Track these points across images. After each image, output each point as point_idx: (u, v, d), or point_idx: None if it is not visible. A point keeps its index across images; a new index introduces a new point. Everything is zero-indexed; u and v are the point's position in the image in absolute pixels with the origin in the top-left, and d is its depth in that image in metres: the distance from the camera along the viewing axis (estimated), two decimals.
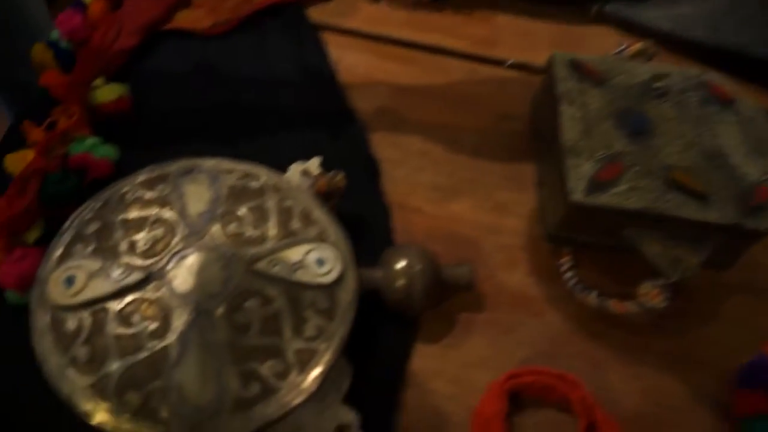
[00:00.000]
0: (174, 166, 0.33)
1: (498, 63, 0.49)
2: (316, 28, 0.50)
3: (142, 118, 0.43)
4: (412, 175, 0.41)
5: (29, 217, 0.35)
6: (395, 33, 0.50)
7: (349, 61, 0.48)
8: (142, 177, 0.32)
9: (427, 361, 0.33)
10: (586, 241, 0.37)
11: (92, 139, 0.39)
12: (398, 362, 0.33)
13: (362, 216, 0.37)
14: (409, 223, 0.39)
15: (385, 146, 0.42)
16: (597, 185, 0.34)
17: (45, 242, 0.35)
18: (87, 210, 0.31)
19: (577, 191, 0.34)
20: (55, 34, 0.45)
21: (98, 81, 0.42)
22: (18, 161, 0.37)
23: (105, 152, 0.39)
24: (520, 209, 0.40)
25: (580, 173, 0.35)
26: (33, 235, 0.36)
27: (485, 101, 0.46)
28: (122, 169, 0.39)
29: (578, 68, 0.40)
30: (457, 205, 0.40)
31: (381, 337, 0.33)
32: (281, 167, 0.35)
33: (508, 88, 0.47)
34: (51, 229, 0.36)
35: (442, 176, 0.42)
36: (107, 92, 0.41)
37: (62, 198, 0.36)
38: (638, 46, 0.43)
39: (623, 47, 0.44)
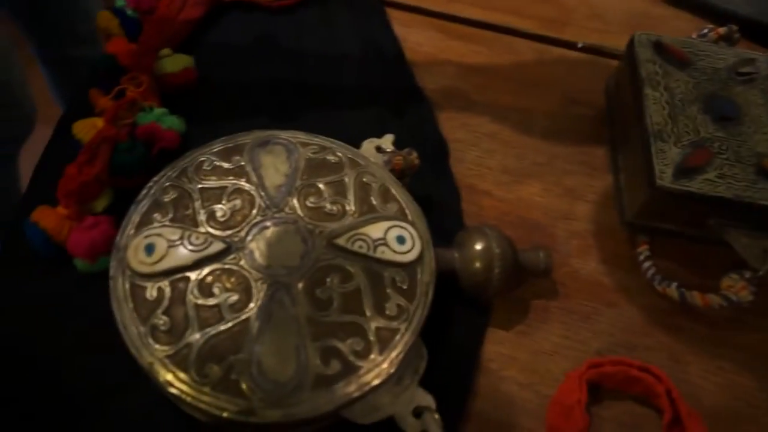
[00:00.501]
0: (249, 137, 0.32)
1: (568, 45, 0.47)
2: (381, 4, 0.49)
3: (205, 91, 0.42)
4: (482, 157, 0.40)
5: (99, 186, 0.35)
6: (461, 12, 0.49)
7: (415, 39, 0.47)
8: (217, 147, 0.31)
9: (499, 347, 0.32)
10: (667, 229, 0.35)
11: (160, 110, 0.39)
12: (472, 347, 0.32)
13: (431, 197, 0.36)
14: (479, 206, 0.38)
15: (453, 127, 0.41)
16: (684, 171, 0.33)
17: (111, 212, 0.36)
18: (164, 178, 0.30)
19: (665, 177, 0.32)
20: (120, 1, 0.44)
21: (165, 51, 0.42)
22: (87, 129, 0.37)
23: (172, 123, 0.39)
24: (592, 195, 0.39)
25: (667, 158, 0.33)
26: (101, 204, 0.35)
27: (555, 84, 0.45)
28: (187, 142, 0.39)
29: (662, 50, 0.39)
30: (527, 189, 0.39)
31: (454, 321, 0.32)
32: (349, 140, 0.34)
33: (579, 70, 0.46)
34: (117, 198, 0.36)
35: (511, 159, 0.40)
36: (174, 62, 0.41)
37: (131, 167, 0.36)
38: (722, 30, 0.41)
39: (706, 30, 0.42)
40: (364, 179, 0.31)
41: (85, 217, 0.33)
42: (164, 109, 0.39)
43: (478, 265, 0.31)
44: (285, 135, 0.32)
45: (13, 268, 0.34)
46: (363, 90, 0.43)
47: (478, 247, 0.31)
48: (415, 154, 0.34)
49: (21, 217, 0.35)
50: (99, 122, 0.37)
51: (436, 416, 0.28)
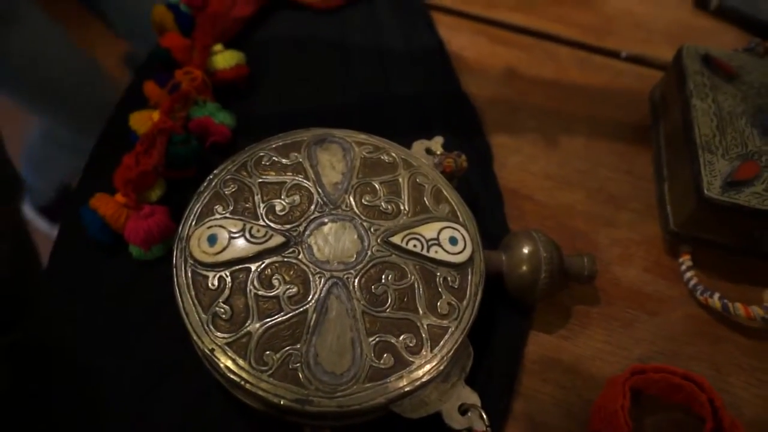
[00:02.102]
0: (307, 134, 0.33)
1: (612, 54, 0.47)
2: (425, 7, 0.49)
3: (255, 88, 0.43)
4: (524, 162, 0.41)
5: (155, 176, 0.36)
6: (504, 17, 0.49)
7: (459, 43, 0.47)
8: (275, 143, 0.32)
9: (542, 350, 0.33)
10: (711, 240, 0.35)
11: (212, 104, 0.40)
12: (516, 349, 0.32)
13: (476, 200, 0.37)
14: (521, 210, 0.38)
15: (497, 132, 0.42)
16: (733, 183, 0.33)
17: (164, 202, 0.37)
18: (224, 171, 0.31)
19: (713, 188, 0.33)
20: None
21: (217, 47, 0.43)
22: (143, 120, 0.38)
23: (223, 118, 0.40)
24: (635, 203, 0.39)
25: (714, 170, 0.34)
26: (156, 194, 0.36)
27: (598, 92, 0.45)
28: (237, 138, 0.40)
29: (710, 63, 0.39)
30: (569, 196, 0.39)
31: (499, 322, 0.33)
32: (397, 142, 0.35)
33: (623, 79, 0.46)
34: (170, 188, 0.37)
35: (554, 165, 0.41)
36: (226, 58, 0.42)
37: (186, 159, 0.37)
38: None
39: (754, 44, 0.42)
40: (418, 180, 0.32)
41: (142, 207, 0.34)
42: (216, 104, 0.40)
43: (525, 268, 0.31)
44: (340, 134, 0.33)
45: (71, 252, 0.35)
46: (410, 92, 0.44)
47: (526, 250, 0.31)
48: (464, 157, 0.35)
49: (77, 203, 0.36)
50: (155, 115, 0.38)
51: (482, 414, 0.28)
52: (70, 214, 0.36)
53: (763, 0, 0.49)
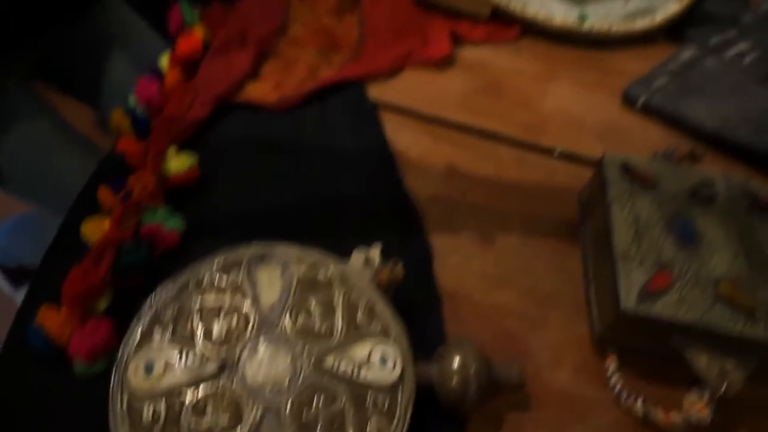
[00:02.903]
0: (248, 252, 0.34)
1: (546, 151, 0.50)
2: (375, 107, 0.52)
3: (208, 188, 0.45)
4: (463, 262, 0.43)
5: (102, 289, 0.37)
6: (449, 115, 0.52)
7: (404, 141, 0.50)
8: (217, 262, 0.34)
9: None
10: (634, 345, 0.38)
11: (163, 210, 0.41)
12: None
13: (414, 304, 0.39)
14: (459, 312, 0.40)
15: (438, 231, 0.44)
16: (648, 294, 0.35)
17: (112, 311, 0.38)
18: (165, 292, 0.33)
19: (629, 300, 0.35)
20: (132, 100, 0.47)
21: (171, 150, 0.44)
22: (95, 229, 0.39)
23: (174, 224, 0.41)
24: (567, 303, 0.41)
25: (631, 281, 0.36)
26: (102, 305, 0.37)
27: (534, 189, 0.48)
28: (188, 241, 0.41)
29: (629, 171, 0.42)
30: (505, 296, 0.41)
31: None
32: (340, 245, 0.37)
33: (556, 177, 0.49)
34: (117, 297, 0.38)
35: (490, 264, 0.43)
36: (179, 162, 0.44)
37: (134, 269, 0.38)
38: (686, 150, 0.45)
39: (672, 149, 0.45)
40: (352, 297, 0.33)
41: (87, 321, 0.35)
42: (168, 209, 0.42)
43: (455, 382, 0.33)
44: (280, 249, 0.35)
45: (15, 366, 0.36)
46: (356, 192, 0.46)
47: (455, 364, 0.33)
48: (400, 266, 0.37)
49: (25, 312, 0.37)
50: (105, 222, 0.39)
51: None
52: (17, 326, 0.37)
53: (685, 99, 0.53)
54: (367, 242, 0.39)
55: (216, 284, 0.33)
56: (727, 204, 0.41)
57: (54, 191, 0.72)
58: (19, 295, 1.07)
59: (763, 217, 0.41)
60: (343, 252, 0.38)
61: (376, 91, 0.54)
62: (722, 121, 0.51)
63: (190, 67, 0.50)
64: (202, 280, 0.33)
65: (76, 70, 0.76)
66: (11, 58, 0.69)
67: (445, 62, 0.56)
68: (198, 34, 0.51)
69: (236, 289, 0.32)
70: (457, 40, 0.59)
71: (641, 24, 0.59)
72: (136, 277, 0.39)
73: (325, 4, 0.60)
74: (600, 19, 0.59)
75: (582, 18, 0.58)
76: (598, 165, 0.43)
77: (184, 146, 0.47)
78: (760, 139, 0.49)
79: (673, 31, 0.61)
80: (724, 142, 0.50)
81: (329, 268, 0.34)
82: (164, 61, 0.50)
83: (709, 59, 0.58)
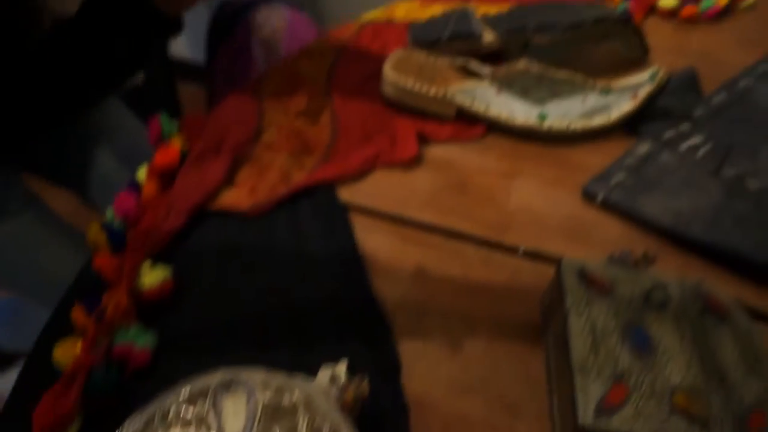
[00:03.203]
0: (214, 380, 0.35)
1: (511, 250, 0.53)
2: (345, 209, 0.54)
3: (181, 299, 0.46)
4: (430, 369, 0.44)
5: (73, 415, 0.38)
6: (417, 215, 0.55)
7: (373, 243, 0.52)
8: (184, 392, 0.35)
9: None
10: None
11: (135, 328, 0.43)
12: None
13: (382, 413, 0.40)
14: (426, 421, 0.41)
15: (406, 337, 0.45)
16: (605, 409, 0.37)
17: None
18: (132, 426, 0.33)
19: (587, 416, 0.36)
20: (110, 213, 0.49)
21: (145, 265, 0.46)
22: (67, 353, 0.40)
23: (145, 342, 0.42)
24: (532, 411, 0.42)
25: (588, 395, 0.37)
26: (73, 430, 0.38)
27: (500, 290, 0.50)
28: (160, 356, 0.42)
29: (585, 277, 0.44)
30: (471, 403, 0.42)
31: None
32: (311, 353, 0.38)
33: (521, 276, 0.51)
34: (88, 421, 0.39)
35: (457, 371, 0.44)
36: (153, 276, 0.45)
37: (105, 393, 0.39)
38: (640, 253, 0.47)
39: (626, 252, 0.47)
40: (316, 422, 0.34)
41: None
42: (139, 327, 0.43)
43: None
44: (247, 375, 0.36)
45: None
46: (326, 299, 0.47)
47: None
48: (365, 383, 0.38)
49: None
50: (78, 346, 0.40)
51: None
52: None
53: (641, 195, 0.56)
54: (337, 350, 0.40)
55: (182, 416, 0.33)
56: (681, 309, 0.43)
57: (37, 283, 0.73)
58: None
59: (715, 321, 0.43)
60: (312, 361, 0.39)
61: (347, 193, 0.56)
62: (676, 217, 0.54)
63: (167, 177, 0.53)
64: (168, 412, 0.34)
65: (64, 163, 0.78)
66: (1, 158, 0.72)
67: (413, 162, 0.59)
68: (176, 145, 0.54)
69: (201, 421, 0.33)
70: (424, 140, 0.62)
71: (598, 121, 0.62)
72: (108, 400, 0.39)
73: (298, 107, 0.63)
74: (559, 118, 0.62)
75: (542, 117, 0.62)
76: (556, 271, 0.45)
77: (158, 257, 0.48)
78: (712, 235, 0.52)
79: (630, 125, 0.64)
80: (679, 237, 0.53)
81: (294, 392, 0.35)
82: (142, 173, 0.52)
83: (664, 153, 0.61)
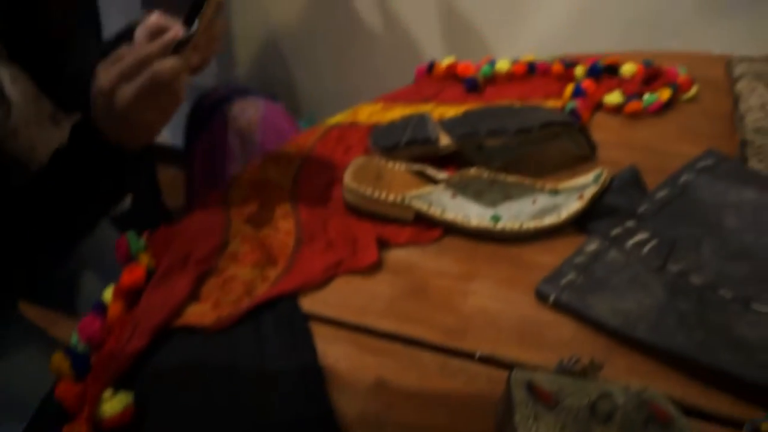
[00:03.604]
0: None
1: (468, 355, 0.54)
2: (306, 318, 0.56)
3: (142, 425, 0.47)
4: None
5: None
6: (376, 323, 0.56)
7: (334, 354, 0.54)
8: None
9: None
10: None
11: None
12: None
13: None
14: None
15: None
16: None
17: None
18: None
19: None
20: (74, 338, 0.51)
21: (107, 393, 0.47)
22: None
23: None
24: None
25: None
26: None
27: (457, 399, 0.51)
28: None
29: (533, 390, 0.46)
30: None
31: None
32: None
33: (478, 383, 0.52)
34: None
35: None
36: (114, 404, 0.46)
37: None
38: (586, 361, 0.49)
39: (574, 360, 0.50)
40: None
41: None
42: None
43: None
44: None
45: None
46: (287, 418, 0.48)
47: None
48: None
49: None
50: None
51: None
52: None
53: (590, 295, 0.59)
54: None
55: None
56: (626, 419, 0.45)
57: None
58: None
59: (658, 428, 0.44)
60: None
61: (308, 303, 0.58)
62: (623, 318, 0.56)
63: (133, 296, 0.54)
64: None
65: (52, 285, 0.79)
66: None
67: (374, 268, 0.62)
68: (142, 263, 0.56)
69: None
70: (384, 244, 0.65)
71: (549, 221, 0.66)
72: None
73: (264, 215, 0.66)
74: (511, 219, 0.66)
75: (495, 219, 0.65)
76: (506, 384, 0.47)
77: (121, 381, 0.49)
78: (656, 336, 0.54)
79: (580, 223, 0.68)
80: (626, 339, 0.55)
81: None
82: (108, 294, 0.54)
83: (611, 251, 0.64)
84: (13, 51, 0.68)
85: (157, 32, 0.58)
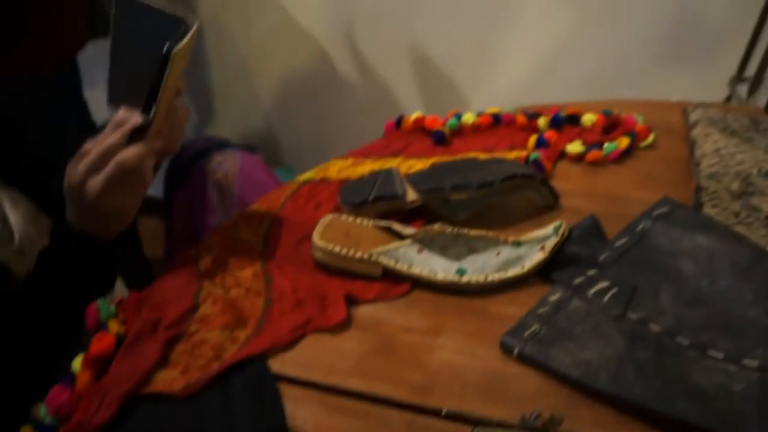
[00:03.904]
0: None
1: (434, 413, 0.55)
2: (275, 379, 0.57)
3: None
4: None
5: None
6: (344, 382, 0.57)
7: (302, 416, 0.54)
8: None
9: None
10: None
11: None
12: None
13: None
14: None
15: None
16: None
17: None
18: None
19: None
20: (42, 410, 0.51)
21: None
22: None
23: None
24: None
25: None
26: None
27: None
28: None
29: None
30: None
31: None
32: None
33: None
34: None
35: None
36: None
37: None
38: (546, 416, 0.50)
39: (535, 414, 0.51)
40: None
41: None
42: None
43: None
44: None
45: None
46: None
47: None
48: None
49: None
50: None
51: None
52: None
53: (553, 346, 0.60)
54: None
55: None
56: None
57: None
58: None
59: None
60: None
61: (277, 363, 0.59)
62: (584, 369, 0.58)
63: (102, 364, 0.55)
64: None
65: None
66: None
67: (342, 325, 0.63)
68: (112, 330, 0.57)
69: None
70: (353, 301, 0.66)
71: (513, 272, 0.68)
72: None
73: (235, 276, 0.68)
74: (476, 272, 0.67)
75: (460, 272, 0.67)
76: None
77: None
78: (616, 387, 0.56)
79: (544, 273, 0.70)
80: (588, 390, 0.57)
81: None
82: (77, 363, 0.54)
83: (574, 300, 0.66)
84: (7, 177, 0.72)
85: (121, 125, 0.61)
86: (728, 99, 1.33)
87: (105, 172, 0.59)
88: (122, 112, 0.62)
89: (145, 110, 0.62)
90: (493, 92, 1.61)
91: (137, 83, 0.61)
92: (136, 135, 0.61)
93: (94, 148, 0.60)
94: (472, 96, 1.66)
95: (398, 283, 0.68)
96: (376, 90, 1.79)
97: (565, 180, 0.88)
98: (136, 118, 0.61)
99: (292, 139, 2.04)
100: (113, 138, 0.59)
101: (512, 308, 0.66)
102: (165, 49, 0.59)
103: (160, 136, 0.65)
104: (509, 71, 1.58)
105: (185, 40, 0.60)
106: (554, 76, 1.56)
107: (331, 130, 1.93)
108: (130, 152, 0.59)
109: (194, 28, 0.61)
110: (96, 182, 0.59)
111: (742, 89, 1.27)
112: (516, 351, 0.60)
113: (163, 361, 0.57)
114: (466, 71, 1.66)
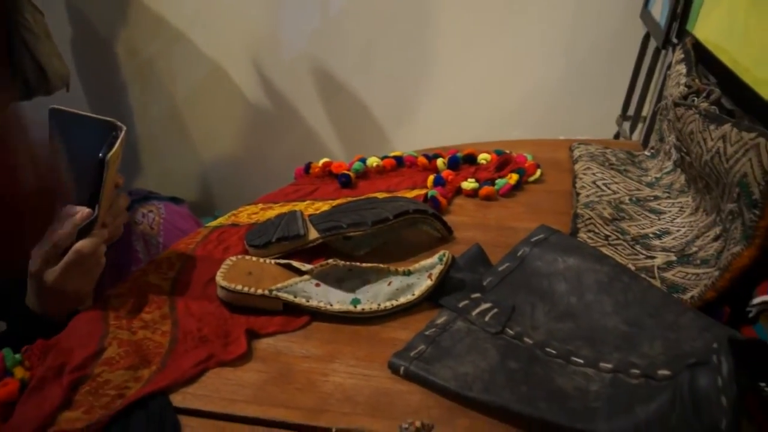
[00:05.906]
0: None
1: (325, 431, 0.60)
2: (175, 413, 0.61)
3: None
4: None
5: None
6: (243, 410, 0.62)
7: None
8: None
9: None
10: None
11: None
12: None
13: None
14: None
15: None
16: None
17: None
18: None
19: None
20: None
21: None
22: None
23: None
24: None
25: None
26: None
27: None
28: None
29: None
30: None
31: None
32: None
33: None
34: None
35: None
36: None
37: None
38: (418, 423, 0.56)
39: (408, 424, 0.57)
40: None
41: None
42: None
43: None
44: None
45: None
46: None
47: None
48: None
49: None
50: None
51: None
52: None
53: (436, 363, 0.67)
54: None
55: None
56: None
57: None
58: None
59: None
60: None
61: (179, 398, 0.63)
62: (462, 381, 0.64)
63: (6, 409, 0.58)
64: None
65: None
66: None
67: (243, 358, 0.68)
68: (17, 376, 0.60)
69: None
70: (255, 334, 0.71)
71: (404, 299, 0.75)
72: None
73: (142, 319, 0.72)
74: (370, 301, 0.74)
75: (355, 302, 0.73)
76: None
77: None
78: (488, 395, 0.62)
79: (434, 299, 0.77)
80: (463, 400, 0.63)
81: None
82: None
83: (458, 321, 0.73)
84: None
85: (68, 218, 0.71)
86: (616, 136, 1.47)
87: (63, 260, 0.70)
88: (68, 207, 0.71)
89: (90, 205, 0.71)
90: (411, 135, 1.72)
91: (79, 181, 0.71)
92: (84, 227, 0.71)
93: (48, 239, 0.69)
94: (394, 138, 1.77)
95: (299, 316, 0.73)
96: (301, 136, 1.88)
97: (461, 214, 0.96)
98: (83, 213, 0.70)
99: (219, 188, 2.09)
100: (63, 230, 0.69)
101: (404, 332, 0.72)
102: (101, 155, 0.69)
103: (107, 225, 0.75)
104: (425, 116, 1.70)
105: (116, 145, 0.70)
106: (468, 117, 1.69)
107: (257, 177, 1.99)
108: (87, 243, 0.70)
109: (122, 134, 0.71)
110: (55, 269, 0.70)
111: (627, 126, 1.42)
112: (402, 370, 0.66)
113: (67, 403, 0.60)
114: (386, 116, 1.77)
